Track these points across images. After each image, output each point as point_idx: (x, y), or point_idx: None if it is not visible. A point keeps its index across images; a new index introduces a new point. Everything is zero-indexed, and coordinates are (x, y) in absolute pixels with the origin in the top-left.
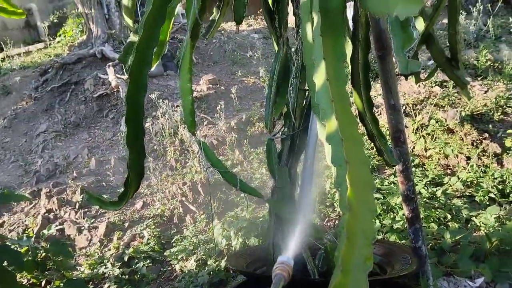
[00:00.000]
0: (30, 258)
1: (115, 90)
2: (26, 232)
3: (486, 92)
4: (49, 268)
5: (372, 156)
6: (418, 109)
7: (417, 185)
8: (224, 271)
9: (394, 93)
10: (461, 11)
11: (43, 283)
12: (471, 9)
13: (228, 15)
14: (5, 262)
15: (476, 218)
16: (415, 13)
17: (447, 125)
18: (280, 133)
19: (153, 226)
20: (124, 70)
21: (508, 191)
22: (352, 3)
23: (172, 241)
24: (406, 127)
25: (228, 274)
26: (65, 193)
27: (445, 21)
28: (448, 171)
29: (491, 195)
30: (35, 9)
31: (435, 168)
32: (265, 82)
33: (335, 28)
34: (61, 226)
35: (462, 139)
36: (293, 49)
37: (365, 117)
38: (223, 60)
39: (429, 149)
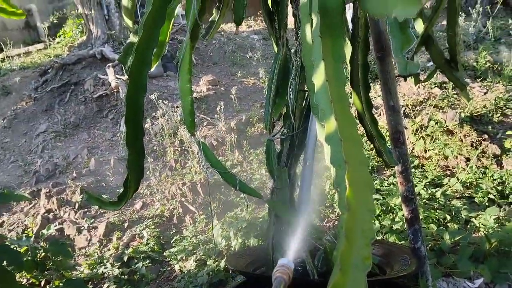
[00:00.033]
0: (29, 258)
1: (114, 90)
2: (26, 232)
3: (485, 93)
4: (48, 268)
5: (371, 157)
6: (417, 110)
7: (416, 186)
8: (224, 272)
9: (394, 94)
10: (460, 13)
11: (42, 283)
12: (471, 11)
13: (227, 16)
14: (5, 262)
15: (475, 219)
16: (414, 15)
17: (447, 126)
18: (280, 134)
19: (153, 226)
20: (124, 71)
21: (507, 192)
22: (351, 4)
23: (172, 241)
24: (406, 128)
25: (227, 275)
26: (64, 193)
27: (445, 22)
28: (448, 172)
29: (491, 196)
30: (35, 10)
31: (434, 169)
32: (264, 83)
33: (334, 29)
34: (60, 226)
35: (462, 140)
36: (292, 50)
37: (364, 118)
38: (223, 61)
39: (428, 150)
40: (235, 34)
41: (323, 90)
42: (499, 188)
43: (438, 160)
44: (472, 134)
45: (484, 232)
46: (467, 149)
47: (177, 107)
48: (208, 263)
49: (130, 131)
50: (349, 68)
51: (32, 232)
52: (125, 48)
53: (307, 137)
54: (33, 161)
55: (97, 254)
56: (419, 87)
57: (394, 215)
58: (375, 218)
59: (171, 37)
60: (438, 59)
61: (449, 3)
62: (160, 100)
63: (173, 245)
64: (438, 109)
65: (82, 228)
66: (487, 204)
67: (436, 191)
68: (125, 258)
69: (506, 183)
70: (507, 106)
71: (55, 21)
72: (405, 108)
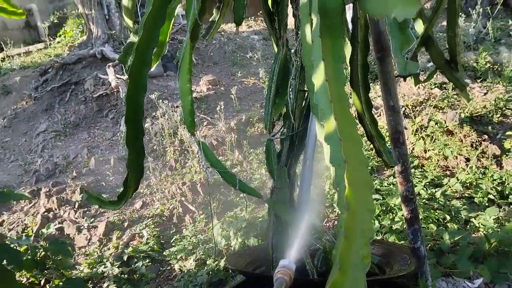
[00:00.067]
0: (29, 257)
1: (115, 90)
2: (26, 231)
3: (485, 94)
4: (48, 267)
5: (371, 157)
6: (417, 110)
7: (416, 186)
8: (223, 271)
9: (393, 94)
10: (460, 13)
11: (42, 282)
12: (471, 12)
13: (228, 17)
14: (5, 261)
15: (475, 219)
16: (413, 15)
17: (447, 126)
18: (280, 133)
19: (153, 226)
20: (124, 71)
21: (507, 192)
22: (351, 5)
23: (171, 240)
24: (406, 128)
25: (227, 274)
26: (64, 192)
27: (445, 23)
28: (448, 172)
29: (490, 196)
30: (35, 10)
31: (434, 169)
32: (264, 83)
33: (334, 29)
34: (60, 225)
35: (462, 141)
36: (292, 51)
37: (364, 118)
38: (223, 61)
39: (428, 151)
40: (235, 34)
41: (323, 90)
42: (499, 188)
43: (438, 160)
44: (472, 135)
45: (484, 232)
46: (467, 150)
47: (177, 107)
48: (207, 262)
49: (130, 130)
50: (349, 68)
51: (32, 231)
52: (125, 48)
53: (307, 137)
54: (33, 161)
55: (97, 253)
56: (419, 87)
57: (394, 215)
58: (375, 218)
59: (171, 37)
60: (438, 60)
61: (449, 4)
62: (160, 100)
63: (173, 244)
64: (438, 110)
65: (82, 227)
66: (486, 204)
67: (436, 191)
68: (125, 258)
69: (506, 184)
70: (507, 107)
71: (55, 21)
72: (405, 109)
